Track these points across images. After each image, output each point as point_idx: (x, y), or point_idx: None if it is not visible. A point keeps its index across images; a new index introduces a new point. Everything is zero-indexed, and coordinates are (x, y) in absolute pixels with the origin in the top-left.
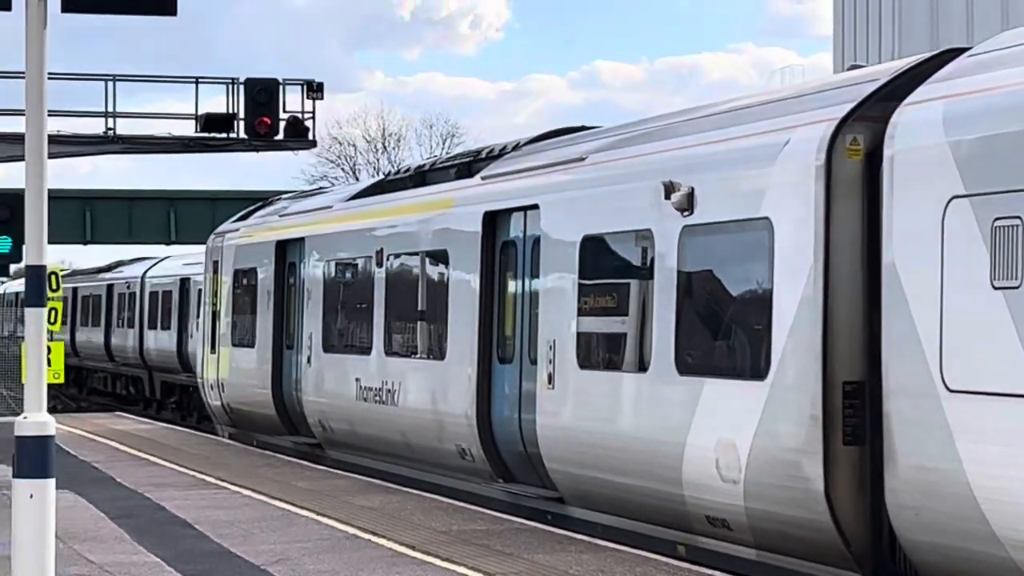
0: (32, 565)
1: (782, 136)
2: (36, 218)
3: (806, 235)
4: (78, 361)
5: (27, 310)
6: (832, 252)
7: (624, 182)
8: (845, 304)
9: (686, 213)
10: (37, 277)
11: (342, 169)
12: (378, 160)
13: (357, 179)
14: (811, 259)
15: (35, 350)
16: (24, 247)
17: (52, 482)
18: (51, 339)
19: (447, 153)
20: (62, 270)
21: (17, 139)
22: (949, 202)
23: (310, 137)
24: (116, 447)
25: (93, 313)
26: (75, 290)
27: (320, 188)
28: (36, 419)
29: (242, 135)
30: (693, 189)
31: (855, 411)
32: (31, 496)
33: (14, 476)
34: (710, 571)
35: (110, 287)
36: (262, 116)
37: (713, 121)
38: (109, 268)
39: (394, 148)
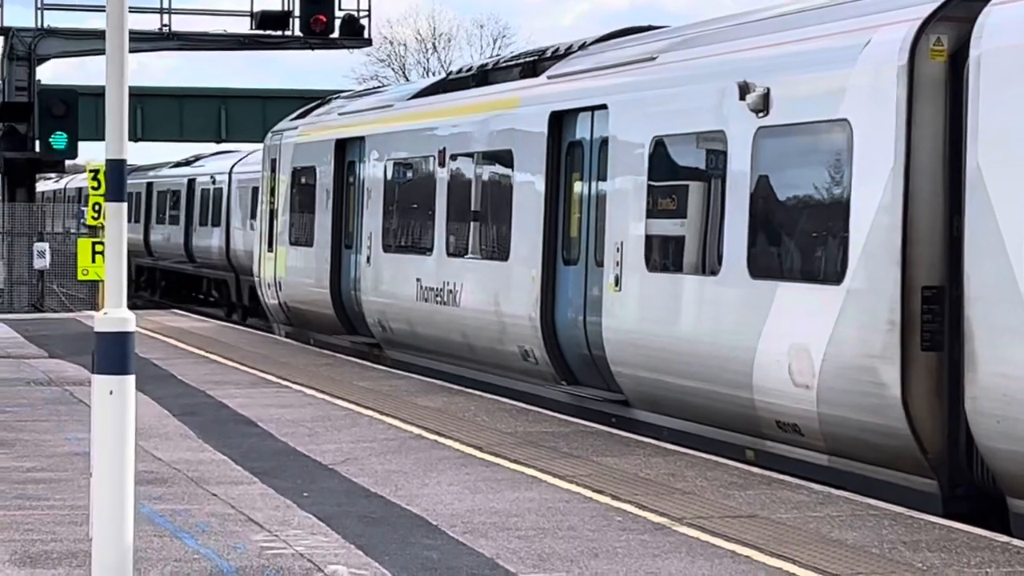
0: (112, 463)
1: (863, 36)
2: (116, 111)
3: (887, 137)
4: (152, 262)
5: (108, 205)
6: (913, 155)
7: (697, 82)
8: (925, 208)
9: (761, 114)
10: (118, 171)
11: (392, 69)
12: (428, 60)
13: (407, 79)
14: (891, 161)
15: (115, 245)
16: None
17: (132, 379)
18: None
19: (497, 54)
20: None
21: (83, 35)
22: None
23: (365, 35)
24: (174, 344)
25: (171, 210)
26: (149, 185)
27: (377, 87)
28: (116, 315)
29: (297, 33)
30: (769, 90)
31: (934, 317)
32: (111, 393)
33: (93, 372)
34: (781, 475)
35: (191, 182)
36: (317, 14)
37: (789, 20)
38: (188, 162)
39: (444, 48)
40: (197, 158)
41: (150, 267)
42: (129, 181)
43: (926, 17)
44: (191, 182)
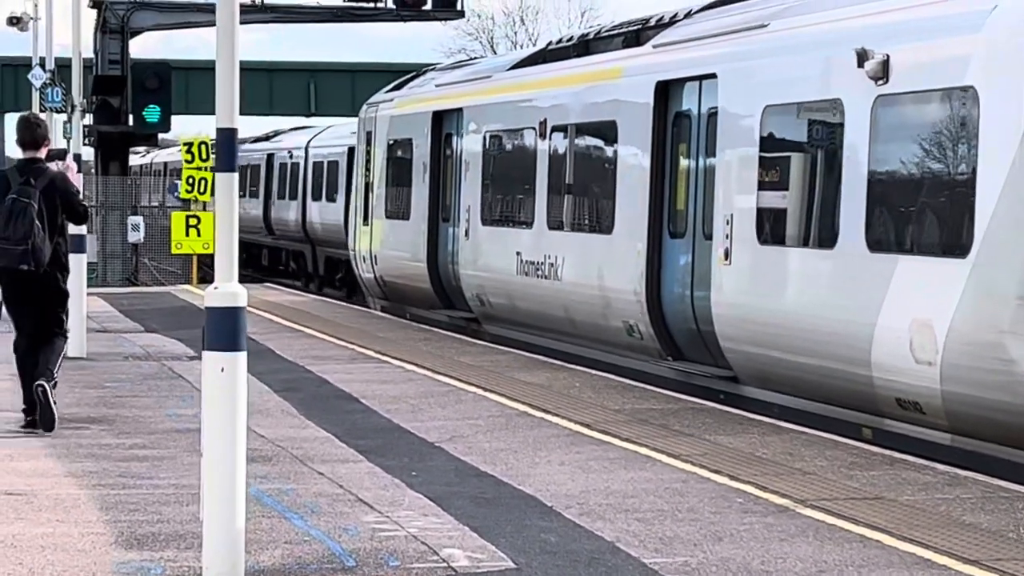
0: (223, 442)
1: (990, 0)
2: (228, 82)
3: (1016, 104)
4: None
5: (218, 175)
6: None
7: (811, 50)
8: None
9: (880, 82)
10: (228, 141)
11: (480, 43)
12: (515, 33)
13: (495, 52)
14: (1022, 130)
15: (226, 217)
16: (216, 112)
17: (243, 355)
18: (203, 209)
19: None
20: (212, 140)
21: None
22: None
23: (458, 8)
24: (270, 318)
25: (251, 184)
26: None
27: (471, 59)
28: (227, 289)
29: (390, 5)
30: (888, 57)
31: None
32: (222, 370)
33: (204, 349)
34: (903, 455)
35: (270, 156)
36: None
37: None
38: (267, 137)
39: (532, 21)
40: (276, 133)
41: None
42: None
43: None
44: (270, 157)
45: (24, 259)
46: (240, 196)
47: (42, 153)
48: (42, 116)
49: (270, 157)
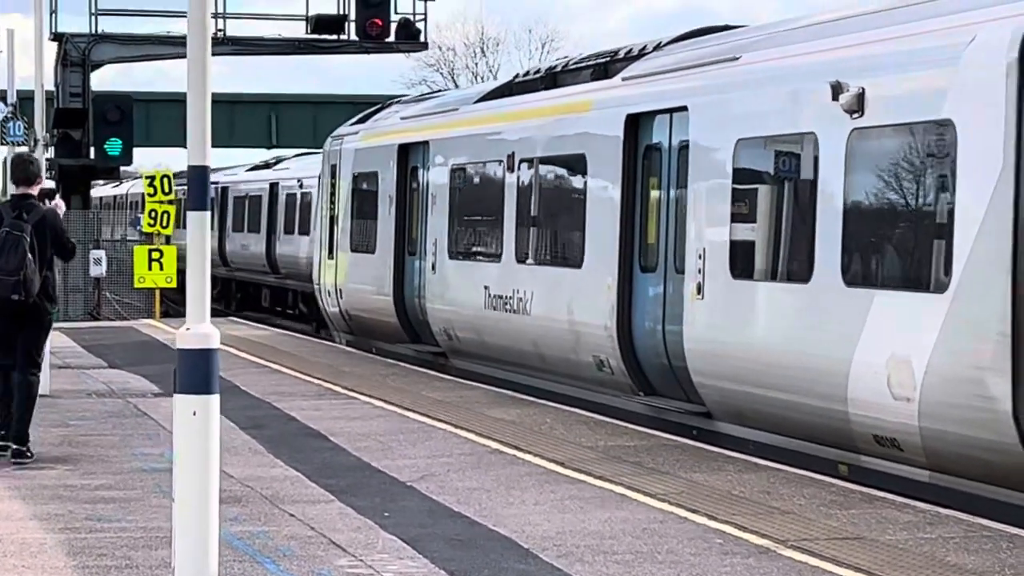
0: (196, 487)
1: (967, 33)
2: (199, 116)
3: (995, 137)
4: (227, 272)
5: (190, 214)
6: None
7: (784, 83)
8: None
9: (855, 115)
10: (200, 178)
11: (441, 74)
12: (476, 65)
13: (456, 84)
14: (1000, 163)
15: (198, 257)
16: (188, 149)
17: (216, 399)
18: (165, 243)
19: (546, 58)
20: (174, 173)
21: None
22: None
23: (421, 39)
24: (235, 354)
25: (250, 217)
26: (224, 190)
27: (436, 91)
28: (199, 330)
29: (353, 37)
30: (864, 90)
31: None
32: (194, 413)
33: (175, 392)
34: (882, 493)
35: (274, 186)
36: (373, 18)
37: (883, 18)
38: (268, 165)
39: (493, 52)
40: (278, 160)
41: (225, 278)
42: None
43: None
44: (273, 186)
45: (16, 289)
46: (238, 231)
47: (34, 190)
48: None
49: (274, 187)
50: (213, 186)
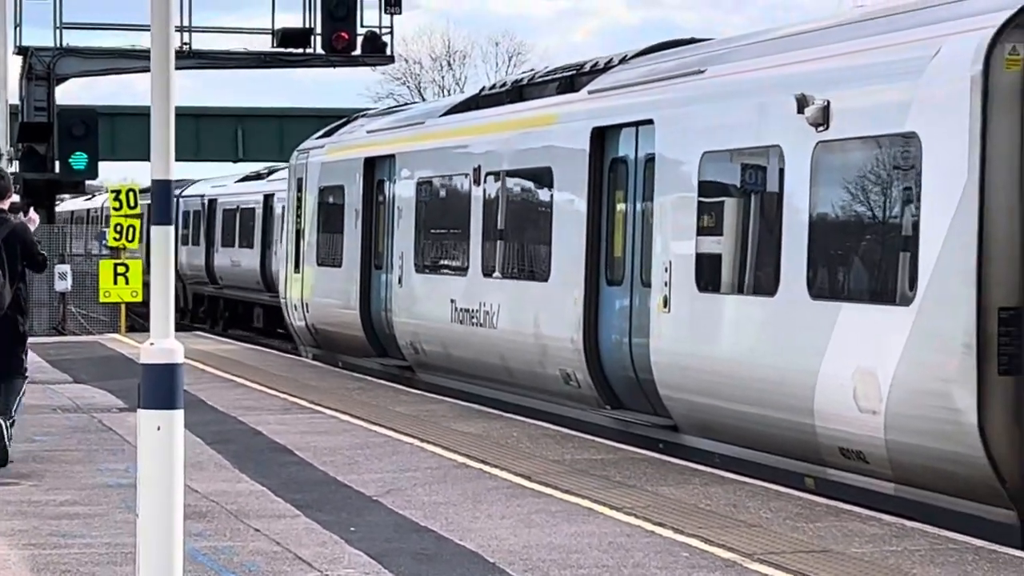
0: (160, 503)
1: (931, 46)
2: (163, 129)
3: (959, 150)
4: (215, 290)
5: (153, 228)
6: (988, 169)
7: (750, 96)
8: (1002, 225)
9: (820, 128)
10: (164, 193)
11: (407, 87)
12: (443, 78)
13: (423, 97)
14: (965, 176)
15: (162, 272)
16: (151, 163)
17: (180, 413)
18: (130, 256)
19: (512, 71)
20: (141, 189)
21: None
22: None
23: (388, 52)
24: (201, 368)
25: (242, 232)
26: (212, 202)
27: (402, 104)
28: (163, 345)
29: (319, 51)
30: (829, 103)
31: (1011, 339)
32: (158, 428)
33: (140, 407)
34: (848, 506)
35: (268, 198)
36: (339, 31)
37: (848, 31)
38: (260, 176)
39: (459, 66)
40: (271, 171)
41: (212, 296)
42: (183, 198)
43: (1000, 25)
44: (268, 198)
45: None
46: (227, 246)
47: (5, 204)
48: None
49: (268, 199)
50: (199, 199)
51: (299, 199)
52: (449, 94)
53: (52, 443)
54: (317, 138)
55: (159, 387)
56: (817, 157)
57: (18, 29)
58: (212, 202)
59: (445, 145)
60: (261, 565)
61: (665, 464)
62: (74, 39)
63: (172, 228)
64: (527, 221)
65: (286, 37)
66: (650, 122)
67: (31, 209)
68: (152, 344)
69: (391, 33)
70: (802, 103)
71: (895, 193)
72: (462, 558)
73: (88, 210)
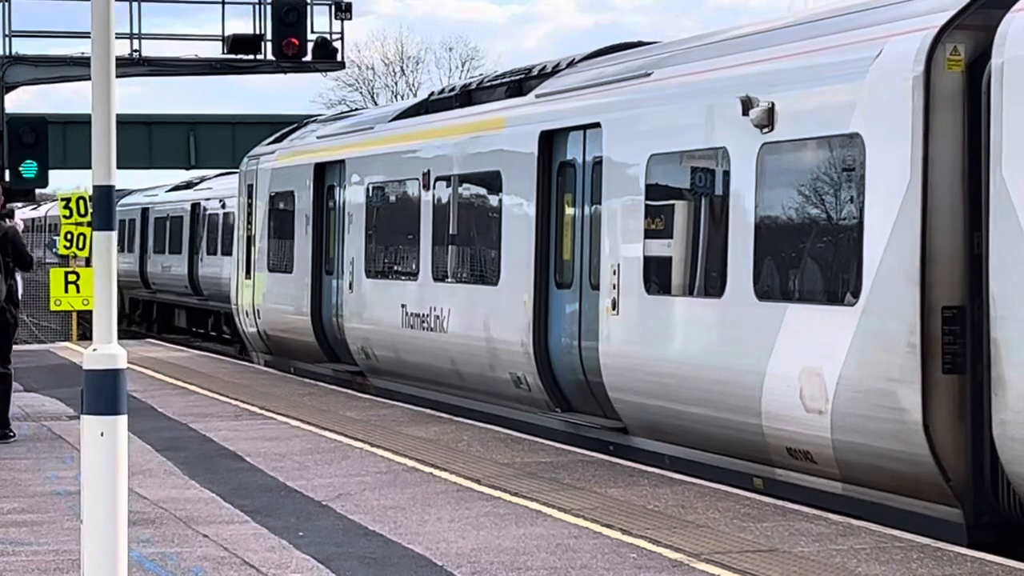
0: (104, 508)
1: (874, 47)
2: (104, 136)
3: (902, 151)
4: (148, 294)
5: (96, 234)
6: (930, 169)
7: (696, 98)
8: (944, 225)
9: (765, 130)
10: (106, 198)
11: (360, 93)
12: (396, 84)
13: (376, 103)
14: (907, 177)
15: (105, 277)
16: (93, 169)
17: (124, 419)
18: (84, 265)
19: (466, 76)
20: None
21: (52, 62)
22: None
23: (339, 58)
24: (152, 375)
25: (172, 238)
26: (145, 211)
27: (352, 110)
28: (106, 351)
29: (269, 57)
30: (773, 104)
31: (955, 338)
32: (102, 434)
33: (83, 413)
34: (796, 506)
35: (195, 207)
36: (290, 37)
37: (792, 32)
38: (190, 184)
39: (413, 71)
40: (201, 180)
41: (146, 300)
42: (120, 207)
43: (942, 26)
44: (195, 207)
45: None
46: (159, 252)
47: None
48: None
49: (195, 207)
50: (135, 207)
51: (250, 205)
52: (403, 100)
53: (1, 452)
54: (267, 144)
55: (102, 393)
56: (762, 159)
57: None
58: (145, 211)
59: (395, 150)
60: (208, 571)
61: (614, 466)
62: (24, 47)
63: (115, 233)
64: (476, 225)
65: (237, 43)
66: (597, 125)
67: (16, 215)
68: (95, 350)
69: (342, 39)
70: (747, 105)
71: (840, 194)
72: (410, 561)
73: (33, 219)
